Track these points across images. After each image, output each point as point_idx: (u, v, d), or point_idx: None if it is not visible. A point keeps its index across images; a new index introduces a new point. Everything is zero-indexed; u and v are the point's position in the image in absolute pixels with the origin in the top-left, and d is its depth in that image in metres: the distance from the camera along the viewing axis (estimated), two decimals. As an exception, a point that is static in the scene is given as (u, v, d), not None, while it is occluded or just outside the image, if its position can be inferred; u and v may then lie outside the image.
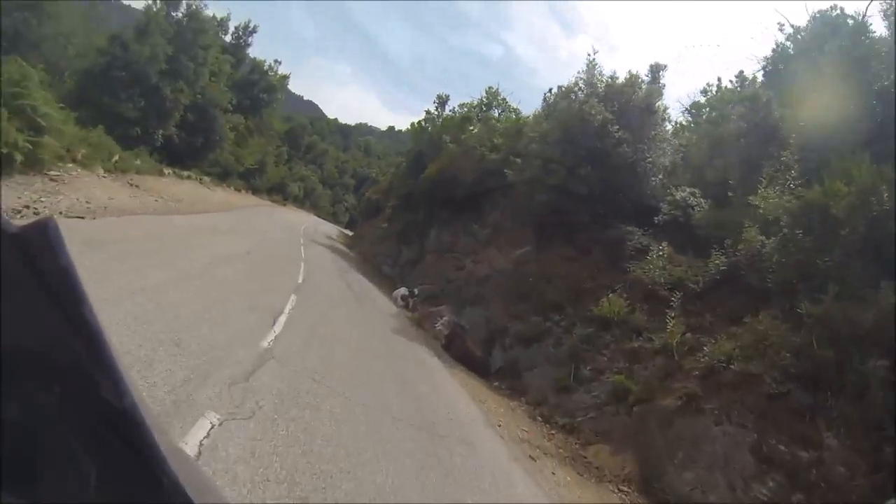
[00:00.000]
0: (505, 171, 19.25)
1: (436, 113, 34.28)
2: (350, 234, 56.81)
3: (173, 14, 25.18)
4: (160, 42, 22.68)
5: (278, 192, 59.20)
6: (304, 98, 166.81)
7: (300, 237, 22.69)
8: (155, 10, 23.52)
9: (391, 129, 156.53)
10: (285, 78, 36.11)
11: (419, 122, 33.12)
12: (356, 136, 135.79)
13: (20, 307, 0.53)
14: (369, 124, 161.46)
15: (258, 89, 35.83)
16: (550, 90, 25.88)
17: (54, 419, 0.56)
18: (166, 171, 20.21)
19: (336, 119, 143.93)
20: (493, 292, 19.14)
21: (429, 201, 26.05)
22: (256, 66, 36.62)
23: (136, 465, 0.55)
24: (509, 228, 22.07)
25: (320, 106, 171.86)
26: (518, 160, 18.90)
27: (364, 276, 22.85)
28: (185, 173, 23.35)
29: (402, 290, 20.36)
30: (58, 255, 0.52)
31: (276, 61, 38.26)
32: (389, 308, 17.25)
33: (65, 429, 0.56)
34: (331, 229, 51.55)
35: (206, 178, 26.21)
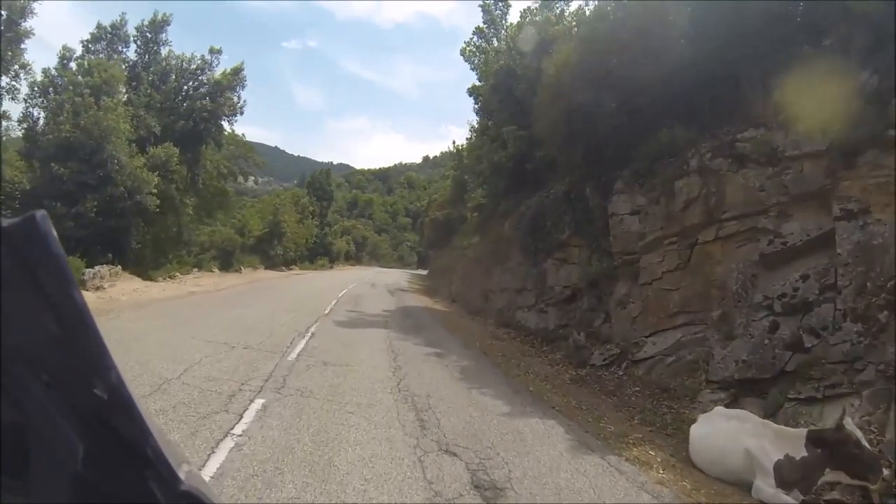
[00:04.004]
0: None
1: (488, 32, 18.84)
2: (424, 273, 45.21)
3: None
4: None
5: (323, 254, 46.46)
6: (335, 163, 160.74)
7: (298, 340, 8.11)
8: None
9: (426, 158, 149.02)
10: (238, 72, 22.06)
11: (471, 42, 17.91)
12: (396, 178, 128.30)
13: (13, 300, 0.54)
14: (404, 162, 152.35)
15: (196, 98, 20.43)
16: None
17: (42, 403, 0.56)
18: None
19: (369, 169, 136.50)
20: None
21: (584, 130, 10.52)
22: (182, 68, 20.77)
23: (121, 438, 0.56)
24: None
25: (352, 165, 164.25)
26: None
27: (531, 399, 7.53)
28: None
29: (757, 438, 4.47)
30: (50, 243, 0.54)
31: (212, 50, 21.72)
32: None
33: (52, 410, 0.56)
34: (396, 278, 37.47)
35: (108, 268, 12.83)
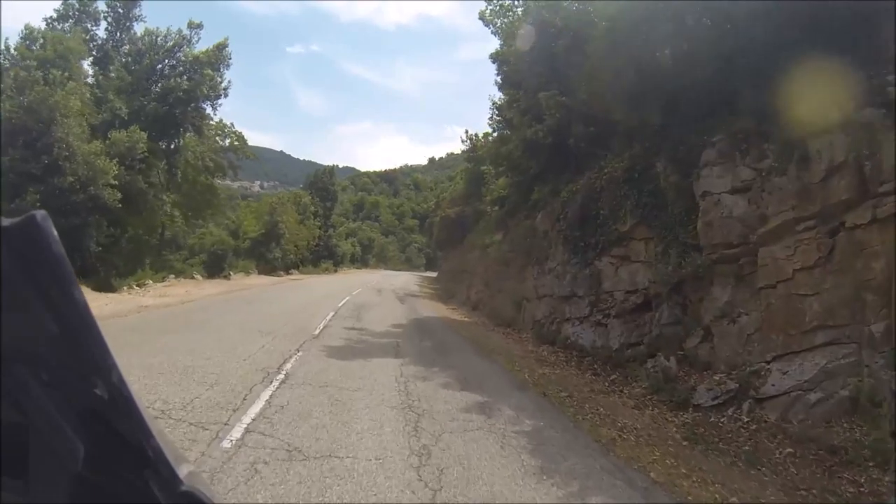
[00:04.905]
0: None
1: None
2: (433, 275, 43.73)
3: None
4: None
5: (327, 258, 43.95)
6: (341, 166, 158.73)
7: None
8: None
9: (432, 160, 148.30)
10: (221, 48, 18.51)
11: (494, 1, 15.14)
12: (402, 179, 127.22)
13: (13, 300, 0.54)
14: (409, 164, 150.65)
15: (171, 77, 17.24)
16: None
17: (43, 403, 0.55)
18: None
19: (374, 171, 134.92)
20: None
21: (659, 83, 7.77)
22: (155, 44, 17.50)
23: (122, 438, 0.55)
24: None
25: (357, 167, 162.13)
26: None
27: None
28: None
29: None
30: (51, 243, 0.53)
31: (191, 25, 18.47)
32: None
33: (52, 410, 0.55)
34: (405, 281, 35.05)
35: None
